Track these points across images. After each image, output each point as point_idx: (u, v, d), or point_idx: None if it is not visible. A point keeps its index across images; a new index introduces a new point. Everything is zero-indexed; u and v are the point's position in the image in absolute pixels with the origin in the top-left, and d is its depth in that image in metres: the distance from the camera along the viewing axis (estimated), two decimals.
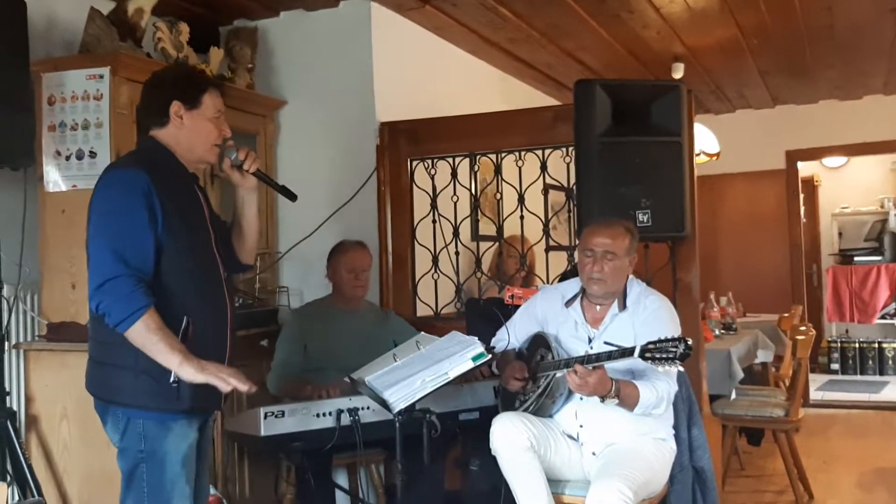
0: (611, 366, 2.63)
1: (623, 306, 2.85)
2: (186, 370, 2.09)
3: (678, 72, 5.45)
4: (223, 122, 2.36)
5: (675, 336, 2.47)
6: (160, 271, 2.16)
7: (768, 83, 6.40)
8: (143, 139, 2.36)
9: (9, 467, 2.87)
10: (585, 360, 2.63)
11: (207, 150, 2.34)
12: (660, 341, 2.46)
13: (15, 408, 3.05)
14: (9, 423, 2.88)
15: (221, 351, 2.29)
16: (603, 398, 2.58)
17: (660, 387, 2.65)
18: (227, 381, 2.12)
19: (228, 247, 2.48)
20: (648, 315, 2.79)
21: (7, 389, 2.96)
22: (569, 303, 2.96)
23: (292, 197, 2.57)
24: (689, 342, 2.43)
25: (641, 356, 2.47)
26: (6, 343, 3.03)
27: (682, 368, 2.52)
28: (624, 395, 2.59)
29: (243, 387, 2.13)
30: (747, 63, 5.68)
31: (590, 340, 2.84)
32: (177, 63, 3.55)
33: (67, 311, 3.22)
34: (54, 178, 3.26)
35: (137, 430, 2.18)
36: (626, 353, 2.53)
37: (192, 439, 2.25)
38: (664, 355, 2.43)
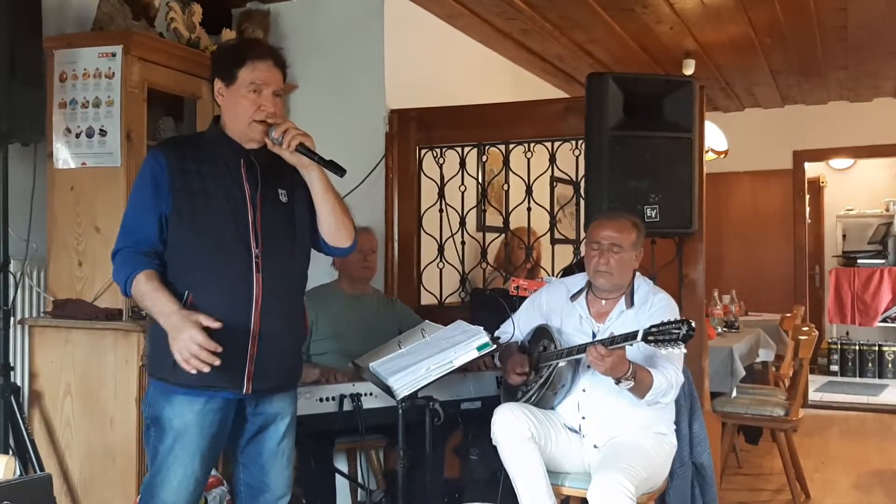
0: None
1: (630, 303, 2.85)
2: (168, 327, 2.11)
3: (689, 68, 5.44)
4: (265, 96, 2.24)
5: (678, 318, 2.48)
6: (166, 247, 2.23)
7: (779, 82, 6.39)
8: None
9: (11, 442, 2.89)
10: (588, 346, 2.62)
11: (246, 127, 2.25)
12: (662, 324, 2.47)
13: (19, 383, 3.06)
14: (13, 398, 2.90)
15: (244, 328, 2.21)
16: (619, 380, 2.59)
17: (669, 374, 2.66)
18: (186, 355, 2.06)
19: (297, 228, 2.36)
20: (656, 311, 2.78)
21: (11, 365, 2.98)
22: (574, 297, 2.96)
23: (340, 172, 2.31)
24: (693, 324, 2.44)
25: (645, 339, 2.47)
26: (12, 318, 3.04)
27: (685, 350, 2.52)
28: (639, 377, 2.59)
29: (205, 367, 2.06)
30: (759, 61, 5.66)
31: (594, 335, 2.84)
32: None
33: (74, 287, 3.24)
34: (64, 155, 3.26)
35: (149, 397, 2.29)
36: (629, 337, 2.53)
37: (189, 416, 2.21)
38: (667, 337, 2.44)
